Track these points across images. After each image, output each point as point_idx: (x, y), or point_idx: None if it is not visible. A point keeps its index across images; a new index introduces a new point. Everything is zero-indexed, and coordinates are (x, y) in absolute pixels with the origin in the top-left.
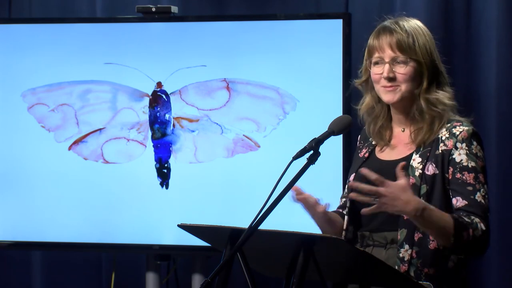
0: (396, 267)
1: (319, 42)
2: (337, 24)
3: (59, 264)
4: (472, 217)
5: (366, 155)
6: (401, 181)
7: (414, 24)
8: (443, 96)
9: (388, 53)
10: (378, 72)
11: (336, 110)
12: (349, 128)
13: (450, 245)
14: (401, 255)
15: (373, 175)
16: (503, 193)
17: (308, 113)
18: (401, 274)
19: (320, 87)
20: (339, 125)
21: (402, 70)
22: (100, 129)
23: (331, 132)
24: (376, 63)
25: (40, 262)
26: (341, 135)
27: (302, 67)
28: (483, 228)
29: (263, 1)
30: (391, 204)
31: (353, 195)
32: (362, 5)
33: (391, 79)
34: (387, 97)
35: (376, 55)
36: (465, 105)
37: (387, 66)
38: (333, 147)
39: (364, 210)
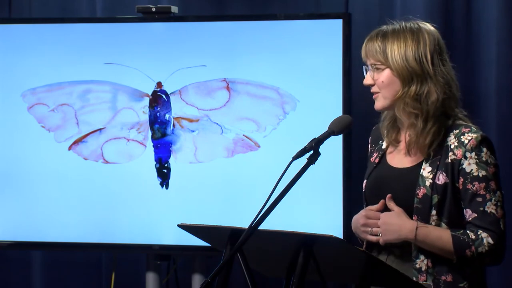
0: (414, 279)
1: (319, 42)
2: (337, 24)
3: (59, 264)
4: (479, 232)
5: (377, 160)
6: (394, 210)
7: (401, 28)
8: (423, 95)
9: (369, 61)
10: None
11: (336, 110)
12: (349, 128)
13: (455, 261)
14: (417, 265)
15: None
16: (503, 193)
17: (308, 113)
18: (401, 274)
19: (320, 87)
20: (339, 125)
21: (378, 77)
22: (100, 129)
23: (331, 132)
24: (367, 70)
25: (40, 262)
26: (341, 135)
27: (302, 67)
28: (491, 242)
29: (263, 1)
30: (389, 230)
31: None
32: (362, 5)
33: (371, 86)
34: (375, 105)
35: (366, 62)
36: (465, 105)
37: (368, 73)
38: (333, 147)
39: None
